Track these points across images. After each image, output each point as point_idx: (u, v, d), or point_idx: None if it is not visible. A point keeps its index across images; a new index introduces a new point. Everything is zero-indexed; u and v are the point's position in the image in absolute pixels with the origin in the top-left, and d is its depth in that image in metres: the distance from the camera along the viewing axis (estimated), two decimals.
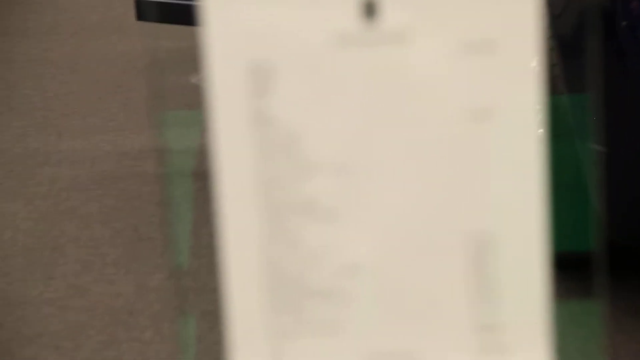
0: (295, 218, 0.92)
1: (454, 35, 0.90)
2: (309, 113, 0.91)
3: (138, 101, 3.66)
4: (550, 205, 0.92)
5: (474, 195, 0.91)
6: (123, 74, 4.00)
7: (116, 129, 3.57)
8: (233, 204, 0.93)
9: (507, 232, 0.92)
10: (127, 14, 4.21)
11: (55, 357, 2.45)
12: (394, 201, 0.91)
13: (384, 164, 0.91)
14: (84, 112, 3.78)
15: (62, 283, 2.75)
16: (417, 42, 0.90)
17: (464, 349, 0.92)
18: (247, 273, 0.94)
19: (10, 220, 3.09)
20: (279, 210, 0.93)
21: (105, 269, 2.77)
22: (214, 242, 0.92)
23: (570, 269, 1.95)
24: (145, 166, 3.20)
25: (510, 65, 0.90)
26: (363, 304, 0.93)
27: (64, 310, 2.62)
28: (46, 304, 2.66)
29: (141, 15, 3.19)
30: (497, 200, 0.91)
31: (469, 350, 0.92)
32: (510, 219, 0.91)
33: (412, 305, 0.93)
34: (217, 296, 0.93)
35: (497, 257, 0.92)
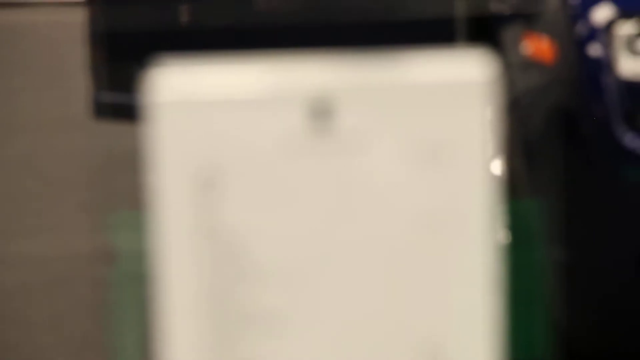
0: (241, 328, 0.92)
1: (406, 140, 0.90)
2: (257, 220, 0.91)
3: (92, 201, 3.65)
4: (506, 314, 0.92)
5: (425, 304, 0.91)
6: (77, 173, 3.99)
7: (68, 229, 3.55)
8: (175, 313, 0.92)
9: (457, 341, 0.91)
10: (83, 112, 4.22)
11: None
12: (344, 308, 0.91)
13: (335, 270, 0.91)
14: (34, 211, 3.76)
15: None
16: (368, 148, 0.90)
17: None
18: None
19: None
20: (224, 321, 0.92)
21: None
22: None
23: None
24: (96, 269, 3.17)
25: (461, 171, 0.91)
26: None
27: None
28: None
29: (97, 113, 3.20)
30: (448, 309, 0.91)
31: None
32: (461, 327, 0.91)
33: None
34: None
35: None
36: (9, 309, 3.12)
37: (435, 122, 0.90)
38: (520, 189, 2.45)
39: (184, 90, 0.91)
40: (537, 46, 2.47)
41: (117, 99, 2.99)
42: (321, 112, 0.91)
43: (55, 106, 4.73)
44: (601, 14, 2.26)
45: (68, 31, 5.31)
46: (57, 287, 3.19)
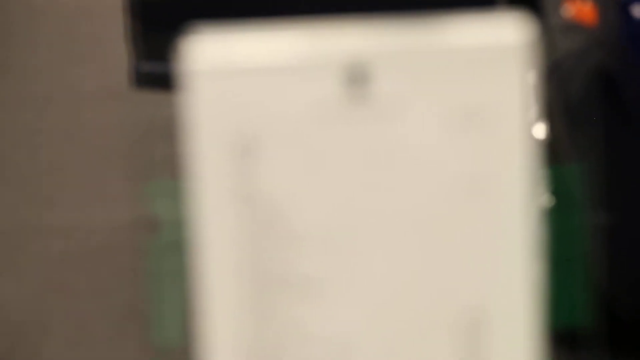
0: (280, 294, 0.92)
1: (443, 106, 0.90)
2: (294, 187, 0.91)
3: (133, 170, 3.67)
4: (548, 279, 0.92)
5: (465, 270, 0.91)
6: (118, 143, 4.01)
7: (110, 199, 3.57)
8: (214, 281, 0.93)
9: (497, 308, 0.91)
10: (121, 82, 4.24)
11: None
12: (382, 275, 0.91)
13: (372, 237, 0.91)
14: (77, 182, 3.79)
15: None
16: (405, 114, 0.90)
17: None
18: (232, 352, 0.93)
19: None
20: (263, 286, 0.92)
21: (95, 347, 2.76)
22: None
23: (569, 344, 1.94)
24: (138, 238, 3.20)
25: (500, 137, 0.90)
26: None
27: None
28: None
29: (137, 83, 3.21)
30: (488, 275, 0.91)
31: None
32: (501, 294, 0.91)
33: None
34: None
35: (487, 334, 0.92)
36: (53, 277, 3.15)
37: (473, 87, 0.90)
38: (562, 152, 2.44)
39: (220, 58, 0.91)
40: (579, 9, 2.45)
41: (156, 68, 3.00)
42: (357, 78, 0.90)
43: (95, 77, 4.75)
44: None
45: (107, 1, 5.33)
46: (100, 256, 3.22)
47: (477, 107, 0.90)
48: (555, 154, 2.43)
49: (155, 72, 3.03)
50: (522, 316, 0.91)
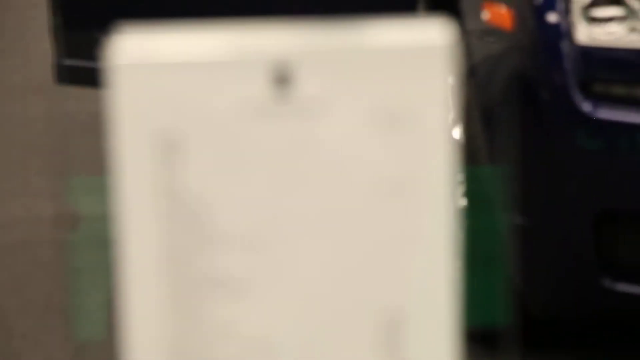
0: (202, 292, 0.91)
1: (366, 106, 0.90)
2: (219, 184, 0.90)
3: (55, 166, 3.63)
4: (464, 278, 0.92)
5: (385, 270, 0.91)
6: (40, 138, 3.96)
7: (32, 194, 3.53)
8: (136, 278, 0.91)
9: (417, 308, 0.91)
10: (46, 77, 4.20)
11: None
12: (305, 274, 0.91)
13: (296, 236, 0.91)
14: None
15: None
16: (328, 114, 0.89)
17: None
18: (151, 349, 0.92)
19: None
20: (185, 284, 0.91)
21: (15, 341, 2.72)
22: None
23: (484, 343, 1.96)
24: (59, 233, 3.16)
25: (422, 138, 0.90)
26: None
27: None
28: None
29: (60, 78, 3.17)
30: (408, 275, 0.91)
31: None
32: (421, 294, 0.91)
33: None
34: None
35: (407, 333, 0.92)
36: None
37: (395, 89, 0.90)
38: (478, 154, 2.46)
39: (144, 53, 0.90)
40: (496, 13, 2.47)
41: (79, 63, 2.97)
42: (282, 77, 0.89)
43: (18, 71, 4.68)
44: None
45: None
46: (20, 250, 3.18)
47: (400, 108, 0.90)
48: (472, 156, 2.45)
49: (79, 68, 2.99)
50: (441, 316, 0.91)
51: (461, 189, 2.34)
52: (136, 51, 0.90)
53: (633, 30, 2.25)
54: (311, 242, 0.91)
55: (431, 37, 0.90)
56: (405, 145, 0.90)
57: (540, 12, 2.28)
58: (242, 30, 0.90)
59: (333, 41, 0.90)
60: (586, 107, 2.24)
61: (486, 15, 2.50)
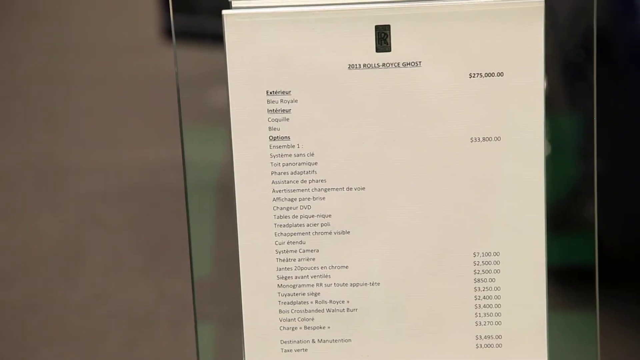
0: (310, 234, 0.93)
1: (462, 65, 0.90)
2: (325, 132, 0.92)
3: (163, 115, 3.68)
4: (552, 220, 0.93)
5: (481, 216, 0.92)
6: (148, 91, 4.01)
7: (140, 141, 3.58)
8: (251, 219, 0.94)
9: (511, 251, 0.92)
10: (153, 33, 4.24)
11: (77, 359, 2.46)
12: (405, 220, 0.92)
13: (396, 184, 0.92)
14: (109, 126, 3.80)
15: (86, 289, 2.76)
16: (428, 69, 0.91)
17: None
18: (263, 285, 0.94)
19: (38, 228, 3.10)
20: (294, 227, 0.93)
21: (128, 277, 2.78)
22: (236, 253, 0.93)
23: (569, 281, 1.96)
24: (168, 178, 3.21)
25: (516, 92, 0.91)
26: (374, 318, 0.93)
27: (87, 314, 2.64)
28: (70, 308, 2.67)
29: (168, 35, 3.19)
30: (503, 221, 0.92)
31: None
32: (514, 239, 0.92)
33: (419, 321, 0.93)
34: (237, 305, 0.94)
35: (501, 274, 0.93)
36: (88, 213, 3.17)
37: (490, 44, 0.90)
38: (561, 102, 2.44)
39: (259, 10, 0.91)
40: None
41: (191, 21, 2.99)
42: (384, 36, 0.91)
43: (127, 28, 4.73)
44: None
45: None
46: (132, 193, 3.23)
47: (495, 61, 0.90)
48: (551, 104, 2.44)
49: (187, 26, 3.01)
50: (532, 258, 0.92)
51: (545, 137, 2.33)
52: (250, 6, 0.92)
53: None
54: (409, 189, 0.92)
55: None
56: (500, 97, 0.91)
57: None
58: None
59: (429, 2, 0.91)
60: None
61: None
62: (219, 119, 0.96)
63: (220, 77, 0.93)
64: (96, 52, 4.58)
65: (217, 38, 0.96)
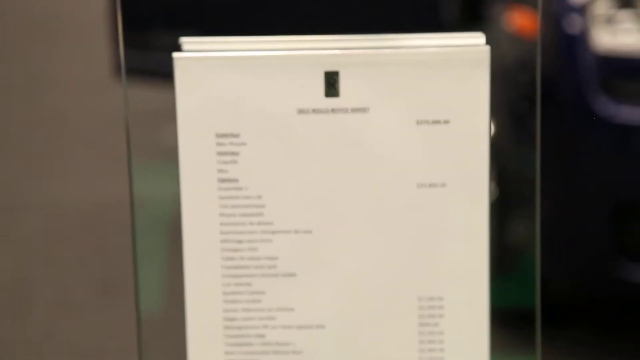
0: (255, 276, 0.92)
1: (410, 111, 0.90)
2: (272, 178, 0.91)
3: (115, 152, 3.66)
4: (497, 263, 0.93)
5: (426, 261, 0.91)
6: (101, 127, 3.99)
7: (91, 178, 3.56)
8: (198, 260, 0.93)
9: (455, 295, 0.92)
10: (106, 70, 4.22)
11: None
12: (351, 263, 0.92)
13: (342, 227, 0.92)
14: (59, 162, 3.77)
15: (35, 326, 2.72)
16: (376, 115, 0.90)
17: None
18: (209, 325, 0.93)
19: None
20: (241, 268, 0.92)
21: (77, 314, 2.75)
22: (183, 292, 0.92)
23: (513, 323, 1.97)
24: (119, 215, 3.19)
25: (461, 139, 0.91)
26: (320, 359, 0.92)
27: (37, 352, 2.60)
28: (20, 346, 2.63)
29: (120, 73, 3.18)
30: (447, 267, 0.91)
31: None
32: (459, 282, 0.92)
33: None
34: (183, 343, 0.92)
35: (445, 318, 0.92)
36: (38, 250, 3.13)
37: (436, 91, 0.90)
38: (505, 148, 2.46)
39: (208, 51, 0.91)
40: (522, 21, 2.47)
41: (141, 60, 2.98)
42: (332, 81, 0.91)
43: (84, 65, 4.72)
44: None
45: None
46: (84, 232, 3.21)
47: (441, 108, 0.91)
48: (500, 150, 2.46)
49: (139, 64, 3.00)
50: (476, 302, 0.92)
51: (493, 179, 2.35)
52: (200, 48, 0.91)
53: None
54: (357, 233, 0.92)
55: (468, 42, 0.91)
56: (447, 142, 0.91)
57: (561, 20, 2.28)
58: (296, 39, 0.91)
59: (378, 50, 0.91)
60: (602, 107, 2.25)
61: (513, 22, 2.51)
62: (169, 157, 0.95)
63: (171, 115, 0.93)
64: (46, 88, 4.55)
65: (168, 76, 0.95)
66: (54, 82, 4.60)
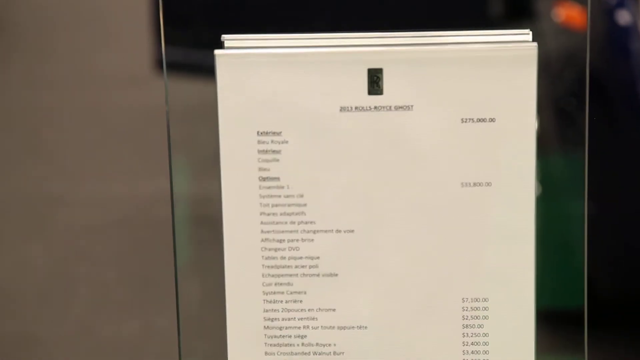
0: (297, 276, 0.93)
1: (454, 109, 0.90)
2: (314, 174, 0.92)
3: (154, 148, 3.68)
4: (542, 263, 0.93)
5: (470, 262, 0.91)
6: (139, 123, 4.02)
7: (131, 175, 3.58)
8: (239, 259, 0.93)
9: (500, 297, 0.91)
10: (145, 68, 4.25)
11: None
12: (393, 264, 0.91)
13: (385, 227, 0.92)
14: (98, 158, 3.80)
15: (73, 323, 2.74)
16: (420, 112, 0.90)
17: None
18: (249, 325, 0.94)
19: (27, 261, 3.09)
20: (282, 268, 0.93)
21: (116, 311, 2.77)
22: (223, 290, 0.92)
23: (560, 324, 1.96)
24: (158, 211, 3.21)
25: (507, 137, 0.91)
26: None
27: (75, 348, 2.62)
28: (57, 342, 2.65)
29: (162, 69, 3.19)
30: (492, 267, 0.91)
31: None
32: (504, 284, 0.91)
33: None
34: (223, 343, 0.93)
35: (489, 320, 0.92)
36: (77, 246, 3.16)
37: (482, 88, 0.90)
38: (551, 145, 2.45)
39: (251, 49, 0.91)
40: (569, 13, 2.45)
41: (182, 56, 2.99)
42: (376, 79, 0.91)
43: (121, 62, 4.74)
44: None
45: None
46: (121, 227, 3.23)
47: (487, 106, 0.90)
48: (545, 146, 2.44)
49: (178, 60, 3.01)
50: (521, 304, 0.92)
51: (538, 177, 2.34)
52: (242, 45, 0.92)
53: None
54: (399, 233, 0.92)
55: (515, 39, 0.91)
56: (491, 143, 0.91)
57: (611, 13, 2.26)
58: (339, 36, 0.92)
59: (422, 47, 0.91)
60: None
61: (559, 15, 2.49)
62: (210, 154, 0.96)
63: (211, 112, 0.93)
64: (87, 84, 4.58)
65: (209, 72, 0.95)
66: (98, 78, 4.63)
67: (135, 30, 4.57)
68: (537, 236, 0.91)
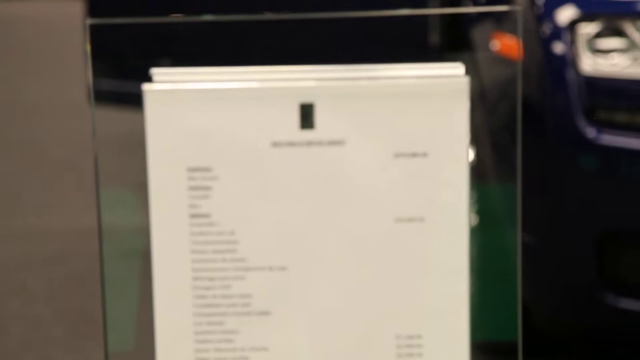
0: (229, 315, 0.91)
1: (387, 144, 0.90)
2: (245, 213, 0.90)
3: (88, 181, 3.64)
4: (476, 295, 0.92)
5: (404, 298, 0.91)
6: (73, 155, 3.98)
7: (67, 207, 3.54)
8: (169, 298, 0.92)
9: (434, 333, 0.91)
10: (80, 97, 4.21)
11: None
12: (327, 301, 0.91)
13: (318, 264, 0.91)
14: (35, 190, 3.75)
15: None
16: (353, 147, 0.90)
17: None
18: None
19: None
20: (213, 307, 0.91)
21: (50, 348, 2.72)
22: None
23: (497, 357, 1.96)
24: (93, 246, 3.17)
25: (440, 172, 0.90)
26: None
27: None
28: None
29: (95, 99, 3.17)
30: (426, 303, 0.91)
31: None
32: (438, 319, 0.91)
33: None
34: None
35: (424, 357, 0.91)
36: (11, 280, 3.11)
37: (414, 122, 0.90)
38: (487, 175, 2.46)
39: (179, 82, 0.90)
40: (505, 44, 2.47)
41: (114, 86, 2.97)
42: (307, 114, 0.90)
43: (54, 92, 4.70)
44: (565, 15, 2.26)
45: (68, 21, 5.28)
46: (56, 261, 3.19)
47: (419, 139, 0.90)
48: (480, 176, 2.45)
49: (112, 90, 3.00)
50: (456, 338, 0.91)
51: (473, 208, 2.34)
52: (171, 80, 0.91)
53: (635, 60, 2.26)
54: (333, 270, 0.91)
55: (447, 73, 0.91)
56: (425, 175, 0.90)
57: (547, 43, 2.29)
58: (270, 70, 0.91)
59: (354, 81, 0.91)
60: (589, 133, 2.25)
61: (495, 45, 2.51)
62: (141, 186, 0.95)
63: (143, 143, 0.92)
64: (20, 114, 4.53)
65: (140, 103, 0.94)
66: (32, 109, 4.58)
67: (73, 60, 4.53)
68: (473, 267, 0.91)
